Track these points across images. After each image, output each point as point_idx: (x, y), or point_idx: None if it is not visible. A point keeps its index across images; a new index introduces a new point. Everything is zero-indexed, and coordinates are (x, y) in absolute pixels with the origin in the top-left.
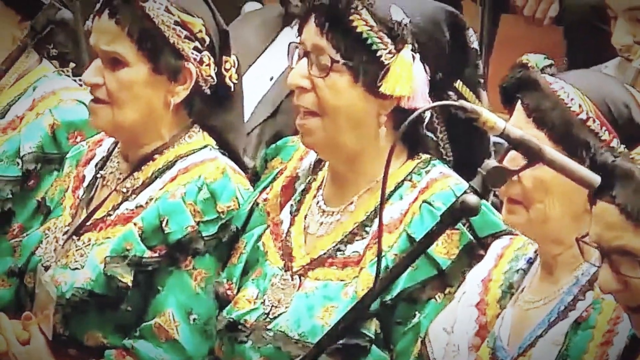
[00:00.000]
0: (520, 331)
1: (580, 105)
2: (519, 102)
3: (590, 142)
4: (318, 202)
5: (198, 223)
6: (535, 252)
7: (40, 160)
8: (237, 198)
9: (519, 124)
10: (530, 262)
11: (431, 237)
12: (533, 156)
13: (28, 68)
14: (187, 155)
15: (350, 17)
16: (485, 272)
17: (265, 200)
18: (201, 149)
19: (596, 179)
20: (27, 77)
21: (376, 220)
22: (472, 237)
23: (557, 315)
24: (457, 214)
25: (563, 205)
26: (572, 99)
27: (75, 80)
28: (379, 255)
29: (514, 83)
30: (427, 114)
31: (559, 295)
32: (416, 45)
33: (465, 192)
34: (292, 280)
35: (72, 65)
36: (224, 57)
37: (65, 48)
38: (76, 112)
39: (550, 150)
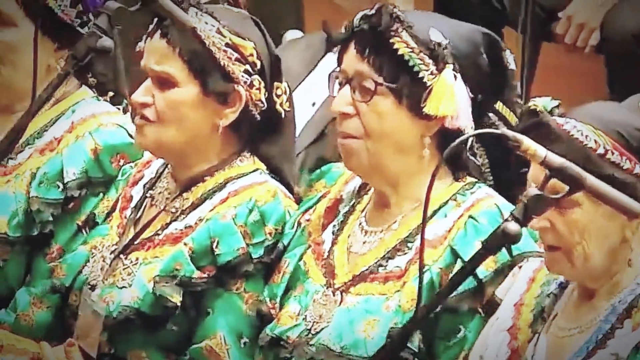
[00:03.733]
0: (557, 359)
1: (595, 141)
2: None
3: (615, 175)
4: (361, 223)
5: (248, 245)
6: None
7: (85, 185)
8: (285, 221)
9: (537, 171)
10: (562, 287)
11: (474, 262)
12: (575, 184)
13: (67, 92)
14: (237, 178)
15: (392, 40)
16: (517, 297)
17: (307, 221)
18: (251, 172)
19: (638, 207)
20: (66, 101)
21: (419, 236)
22: (509, 257)
23: (595, 343)
24: (498, 241)
25: (599, 241)
26: (586, 136)
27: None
28: (420, 275)
29: (525, 130)
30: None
31: (596, 324)
32: (456, 66)
33: (506, 220)
34: (334, 296)
35: (110, 94)
36: (275, 83)
37: (104, 77)
38: (117, 136)
39: (592, 178)
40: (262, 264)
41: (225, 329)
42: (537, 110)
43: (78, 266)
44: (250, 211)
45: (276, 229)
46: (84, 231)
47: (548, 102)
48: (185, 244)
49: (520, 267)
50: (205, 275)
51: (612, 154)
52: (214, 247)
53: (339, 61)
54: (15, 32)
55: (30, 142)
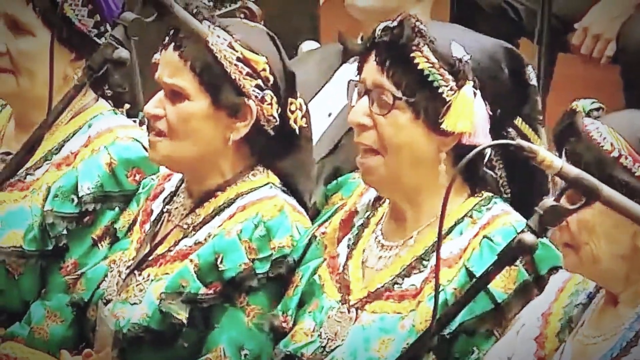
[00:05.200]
0: None
1: (612, 144)
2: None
3: (625, 179)
4: (377, 237)
5: (253, 260)
6: (596, 286)
7: (100, 199)
8: (292, 236)
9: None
10: (590, 297)
11: (489, 274)
12: (590, 195)
13: (85, 105)
14: (247, 193)
15: (412, 54)
16: (545, 306)
17: (323, 234)
18: (262, 186)
19: None
20: (83, 115)
21: (434, 255)
22: (527, 276)
23: (619, 351)
24: (513, 252)
25: (608, 245)
26: (604, 138)
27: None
28: (436, 292)
29: (559, 132)
30: (488, 152)
31: (621, 332)
32: (477, 82)
33: (522, 231)
34: (349, 313)
35: (127, 106)
36: (290, 99)
37: (120, 88)
38: (132, 150)
39: (608, 189)
40: (267, 279)
41: (226, 342)
42: (577, 110)
43: (97, 280)
44: (256, 226)
45: (280, 244)
46: (99, 245)
47: (588, 104)
48: (191, 261)
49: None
50: (212, 292)
51: (626, 159)
52: (218, 263)
53: (359, 70)
54: (33, 42)
55: (48, 157)
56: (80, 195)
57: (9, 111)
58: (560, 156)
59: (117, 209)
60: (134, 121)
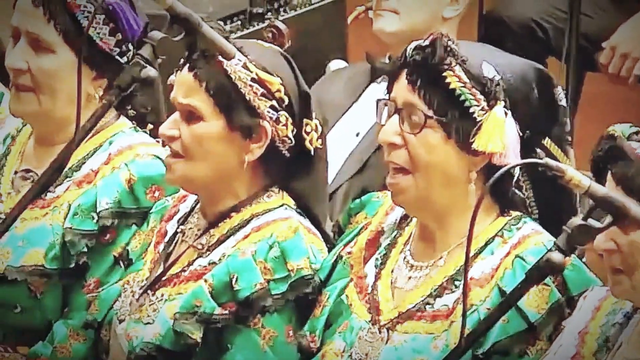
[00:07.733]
0: None
1: None
2: (609, 172)
3: None
4: (405, 257)
5: (268, 281)
6: (633, 306)
7: (118, 215)
8: (308, 257)
9: None
10: (627, 317)
11: (517, 293)
12: (618, 214)
13: (106, 123)
14: (262, 214)
15: (444, 74)
16: (582, 325)
17: (349, 253)
18: (277, 208)
19: None
20: (104, 132)
21: None
22: (560, 296)
23: None
24: (542, 271)
25: None
26: None
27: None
28: (464, 310)
29: (603, 155)
30: (516, 171)
31: None
32: (507, 102)
33: (550, 250)
34: (380, 333)
35: (150, 126)
36: (305, 120)
37: (144, 109)
38: (153, 167)
39: (636, 207)
40: (283, 300)
41: None
42: (615, 135)
43: (111, 301)
44: (271, 247)
45: (299, 266)
46: (121, 263)
47: (627, 128)
48: (205, 281)
49: (585, 296)
50: (226, 312)
51: None
52: (233, 283)
53: (389, 89)
54: (54, 59)
55: (68, 174)
56: (98, 210)
57: (29, 129)
58: (600, 179)
59: (134, 226)
60: (157, 142)
